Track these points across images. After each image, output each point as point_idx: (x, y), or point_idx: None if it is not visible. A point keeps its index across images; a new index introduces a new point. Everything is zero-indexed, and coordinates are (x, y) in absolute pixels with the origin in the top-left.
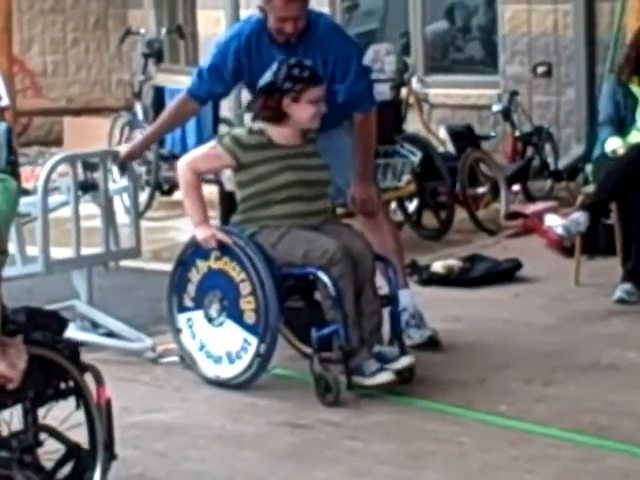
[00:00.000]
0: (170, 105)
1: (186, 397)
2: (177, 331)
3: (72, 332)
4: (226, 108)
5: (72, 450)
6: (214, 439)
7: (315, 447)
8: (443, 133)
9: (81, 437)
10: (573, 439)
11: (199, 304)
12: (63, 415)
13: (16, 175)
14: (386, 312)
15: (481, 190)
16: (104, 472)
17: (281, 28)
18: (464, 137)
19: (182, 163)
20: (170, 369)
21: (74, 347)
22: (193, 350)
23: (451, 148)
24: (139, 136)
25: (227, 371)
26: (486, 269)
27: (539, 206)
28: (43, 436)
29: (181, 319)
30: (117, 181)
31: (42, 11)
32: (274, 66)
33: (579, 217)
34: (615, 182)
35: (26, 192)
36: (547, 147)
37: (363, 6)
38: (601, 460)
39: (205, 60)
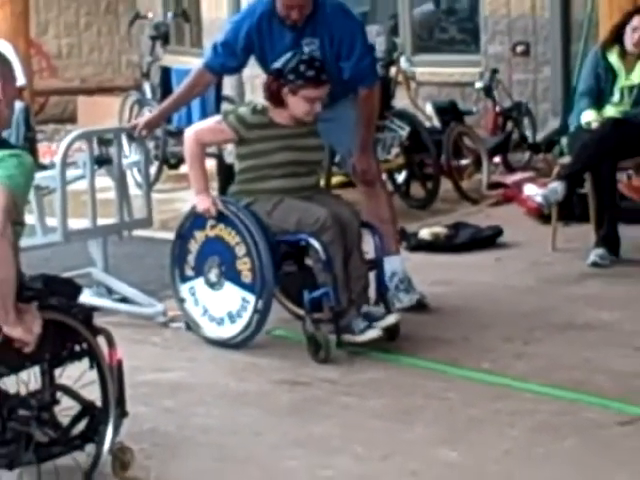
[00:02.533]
0: (188, 77)
1: (193, 357)
2: (181, 300)
3: (89, 298)
4: (228, 87)
5: (86, 407)
6: (219, 396)
7: (312, 403)
8: (429, 109)
9: (94, 395)
10: (551, 394)
11: (199, 272)
12: (77, 374)
13: (34, 151)
14: (372, 275)
15: (464, 162)
16: (116, 428)
17: (288, 14)
18: (449, 112)
19: (189, 133)
20: (178, 331)
21: (87, 312)
22: (197, 316)
23: (437, 123)
24: (147, 113)
25: (229, 331)
26: (470, 235)
27: (518, 176)
28: (59, 395)
29: (184, 289)
30: (129, 156)
31: None
32: (289, 54)
33: (556, 186)
34: (589, 154)
35: (43, 167)
36: (526, 121)
37: None
38: (577, 413)
39: (220, 36)
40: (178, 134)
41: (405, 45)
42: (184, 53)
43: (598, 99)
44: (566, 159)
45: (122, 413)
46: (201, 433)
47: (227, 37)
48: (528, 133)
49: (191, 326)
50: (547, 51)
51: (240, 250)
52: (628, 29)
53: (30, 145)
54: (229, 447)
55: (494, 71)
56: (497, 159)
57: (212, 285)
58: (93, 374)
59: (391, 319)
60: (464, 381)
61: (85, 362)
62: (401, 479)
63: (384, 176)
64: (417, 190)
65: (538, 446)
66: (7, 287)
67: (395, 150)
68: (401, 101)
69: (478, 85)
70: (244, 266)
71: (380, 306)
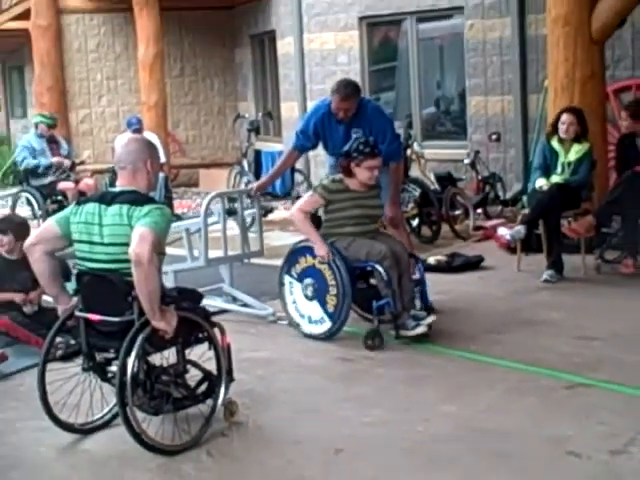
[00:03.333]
0: (282, 156)
1: (277, 342)
2: (281, 284)
3: (220, 303)
4: (299, 163)
5: (207, 375)
6: (294, 368)
7: (356, 373)
8: (433, 177)
9: (212, 367)
10: (517, 367)
11: (300, 280)
12: (200, 353)
13: (171, 205)
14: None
15: (457, 212)
16: (227, 388)
17: (336, 113)
18: (446, 180)
19: (295, 209)
20: (268, 326)
21: (207, 312)
22: (288, 301)
23: (438, 187)
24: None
25: (306, 327)
26: (462, 261)
27: (494, 222)
28: (188, 366)
29: (286, 278)
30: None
31: (185, 103)
32: (351, 140)
33: (519, 229)
34: (541, 208)
35: (178, 217)
36: (498, 185)
37: (383, 99)
38: (535, 381)
39: (298, 127)
40: (266, 194)
41: (417, 134)
42: (269, 140)
43: (546, 171)
44: (526, 211)
45: (230, 379)
46: (282, 392)
47: (303, 127)
48: (500, 193)
49: (292, 324)
50: (512, 138)
51: (332, 290)
52: (560, 124)
53: (168, 201)
54: (301, 402)
55: (477, 152)
56: (479, 210)
57: (305, 295)
58: (211, 353)
59: (431, 318)
60: (459, 358)
61: (205, 345)
62: (417, 424)
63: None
64: (426, 231)
65: (509, 402)
66: (155, 295)
67: (411, 205)
68: (414, 172)
69: (466, 161)
70: (331, 301)
71: (423, 310)
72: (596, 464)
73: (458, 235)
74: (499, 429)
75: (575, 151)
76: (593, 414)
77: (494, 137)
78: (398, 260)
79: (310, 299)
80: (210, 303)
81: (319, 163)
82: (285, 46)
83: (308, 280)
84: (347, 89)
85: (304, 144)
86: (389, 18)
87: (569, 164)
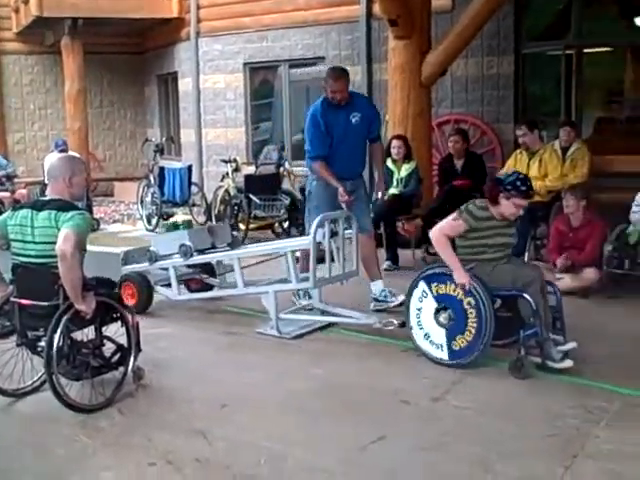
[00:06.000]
0: (323, 169)
1: (176, 320)
2: (414, 287)
3: (326, 318)
4: (194, 177)
5: (119, 347)
6: (189, 340)
7: (239, 344)
8: (298, 189)
9: (123, 340)
10: (367, 339)
11: (437, 300)
12: (114, 329)
13: (90, 211)
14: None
15: None
16: (135, 358)
17: (333, 97)
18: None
19: (436, 229)
20: (172, 308)
21: (119, 296)
22: (412, 305)
23: (302, 197)
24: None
25: (419, 340)
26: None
27: None
28: (105, 340)
29: (422, 285)
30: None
31: (104, 129)
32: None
33: None
34: (382, 213)
35: (97, 220)
36: None
37: (262, 127)
38: (379, 347)
39: (308, 141)
40: (167, 202)
41: (288, 156)
42: (171, 159)
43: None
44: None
45: (138, 350)
46: (179, 360)
47: (313, 134)
48: None
49: (405, 325)
50: None
51: (468, 333)
52: (391, 148)
53: (88, 208)
54: (194, 367)
55: None
56: None
57: (436, 318)
58: (123, 329)
59: (571, 345)
60: (331, 333)
61: (118, 323)
62: (288, 384)
63: (277, 225)
64: (294, 231)
65: (360, 363)
66: (77, 283)
67: (282, 210)
68: (285, 185)
69: None
70: (460, 342)
71: (560, 335)
72: (422, 409)
73: None
74: (351, 384)
75: (405, 169)
76: (420, 371)
77: None
78: (541, 285)
79: (439, 325)
80: (313, 318)
81: (211, 177)
82: (185, 84)
83: (446, 306)
84: (337, 71)
85: (324, 150)
86: (267, 64)
87: (401, 180)
